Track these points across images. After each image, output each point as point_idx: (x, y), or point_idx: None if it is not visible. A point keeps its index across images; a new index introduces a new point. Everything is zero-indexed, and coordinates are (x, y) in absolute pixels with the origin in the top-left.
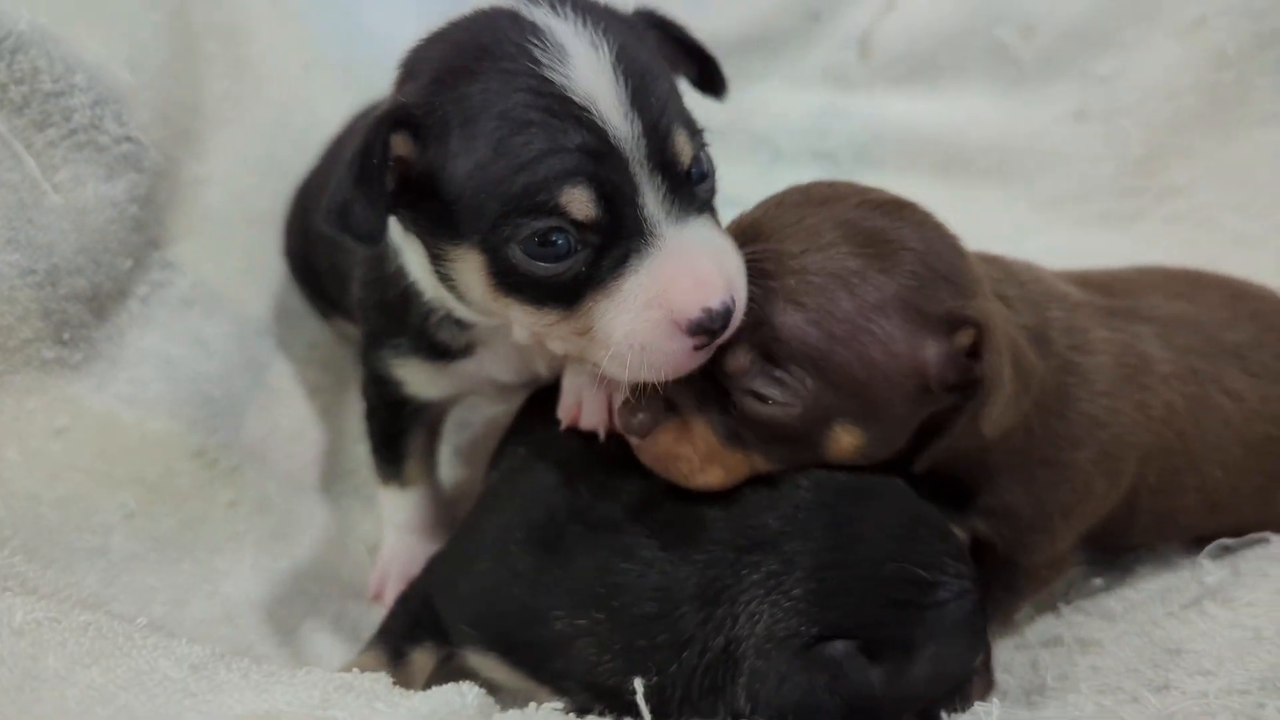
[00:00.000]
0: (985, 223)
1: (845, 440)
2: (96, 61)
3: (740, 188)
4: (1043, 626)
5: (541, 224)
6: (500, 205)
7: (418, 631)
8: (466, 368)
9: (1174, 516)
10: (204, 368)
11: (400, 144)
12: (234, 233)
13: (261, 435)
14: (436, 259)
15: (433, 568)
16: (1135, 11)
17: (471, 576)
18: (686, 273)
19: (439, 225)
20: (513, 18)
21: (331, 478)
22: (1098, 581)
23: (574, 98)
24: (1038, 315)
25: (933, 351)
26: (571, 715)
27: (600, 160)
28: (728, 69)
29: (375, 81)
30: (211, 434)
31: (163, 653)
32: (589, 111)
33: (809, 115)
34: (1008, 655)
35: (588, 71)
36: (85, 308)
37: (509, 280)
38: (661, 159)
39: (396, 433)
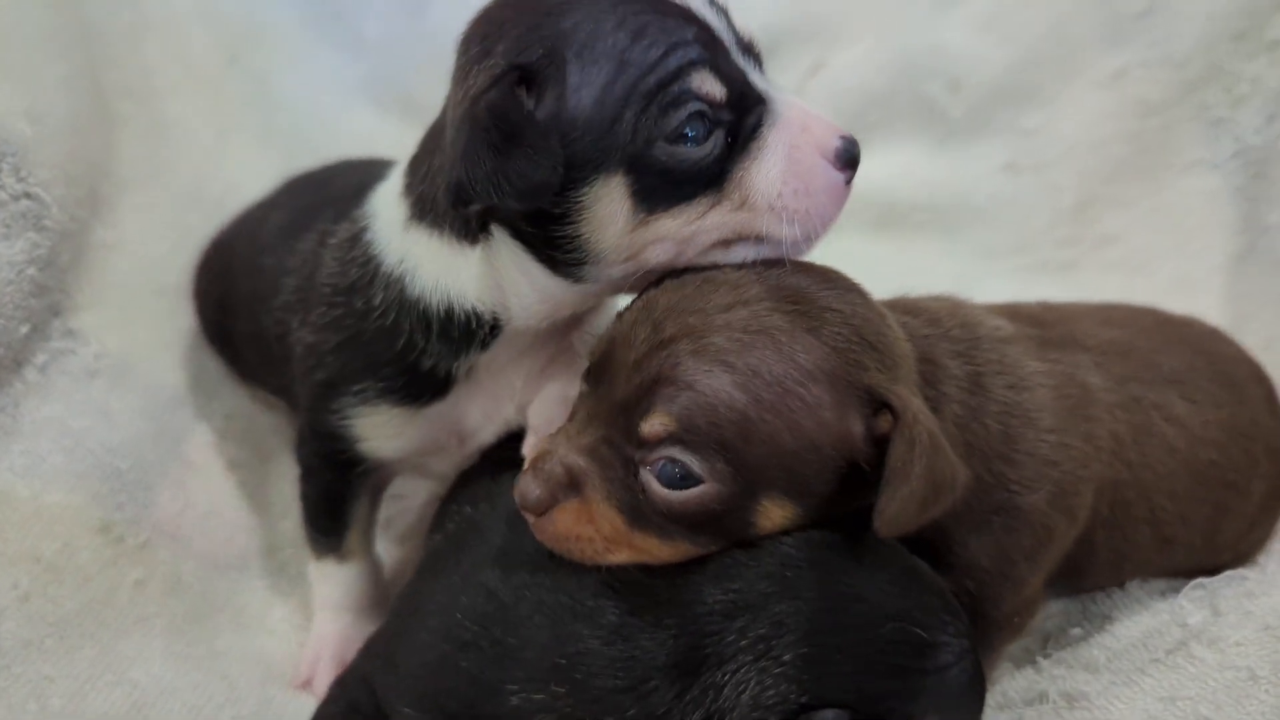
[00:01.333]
0: (925, 276)
1: (776, 514)
2: None
3: None
4: (1024, 683)
5: (683, 112)
6: (637, 111)
7: (355, 719)
8: (438, 411)
9: (1129, 553)
10: (109, 440)
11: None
12: (143, 303)
13: (175, 511)
14: (553, 226)
15: (371, 646)
16: (1058, 65)
17: (413, 650)
18: (812, 116)
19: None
20: None
21: (252, 556)
22: (1075, 631)
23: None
24: (969, 361)
25: (858, 427)
26: None
27: (712, 48)
28: None
29: (292, 150)
30: (118, 509)
31: None
32: (687, 8)
33: None
34: (990, 716)
35: None
36: None
37: (656, 190)
38: (744, 46)
39: (339, 499)
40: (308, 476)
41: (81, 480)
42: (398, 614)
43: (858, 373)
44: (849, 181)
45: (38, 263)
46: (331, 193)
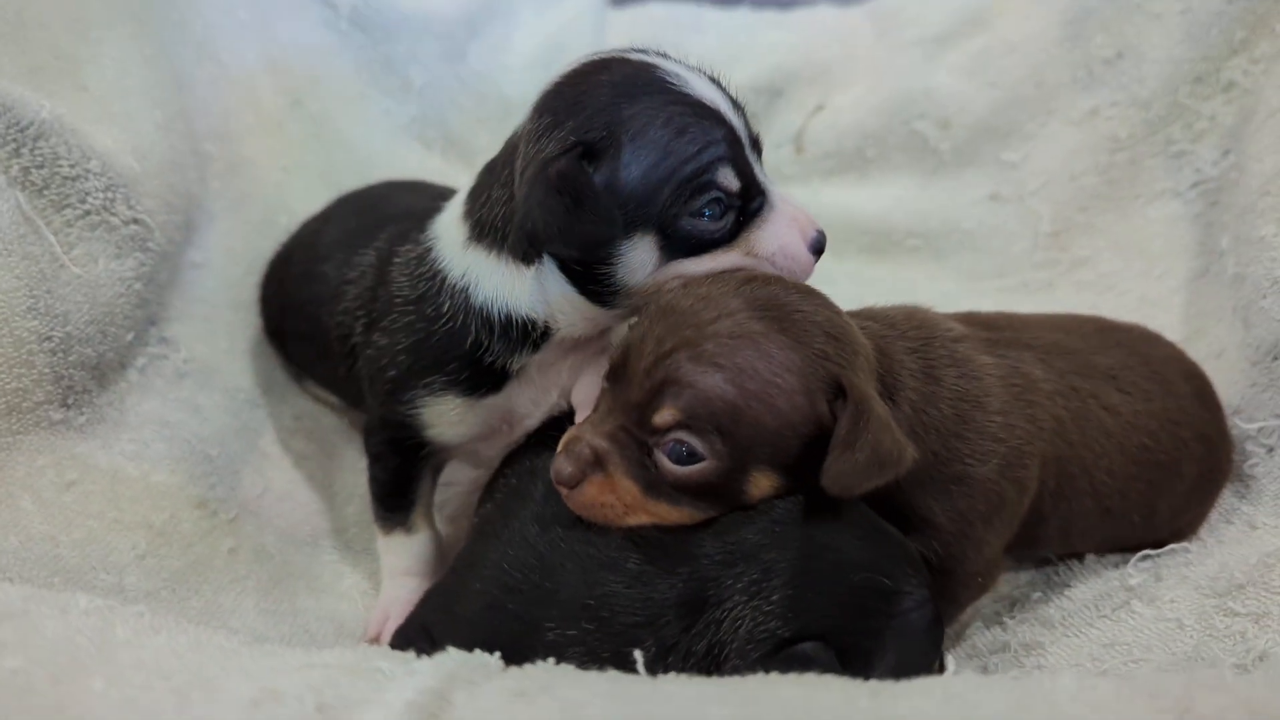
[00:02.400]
0: (916, 296)
1: (764, 483)
2: (108, 149)
3: None
4: (990, 638)
5: (706, 198)
6: (672, 191)
7: None
8: (494, 402)
9: (1074, 521)
10: (200, 431)
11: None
12: (222, 317)
13: (256, 493)
14: (594, 265)
15: (428, 599)
16: (1036, 105)
17: (467, 597)
18: (799, 211)
19: None
20: (629, 60)
21: (322, 534)
22: (1037, 596)
23: (707, 104)
24: (923, 356)
25: (822, 408)
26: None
27: (733, 146)
28: None
29: (348, 184)
30: (210, 488)
31: (211, 633)
32: (719, 112)
33: None
34: (960, 665)
35: (705, 87)
36: (89, 375)
37: (678, 246)
38: (754, 143)
39: (407, 480)
40: (377, 462)
41: (180, 464)
42: (455, 570)
43: (821, 363)
44: (816, 261)
45: (143, 279)
46: (386, 213)
